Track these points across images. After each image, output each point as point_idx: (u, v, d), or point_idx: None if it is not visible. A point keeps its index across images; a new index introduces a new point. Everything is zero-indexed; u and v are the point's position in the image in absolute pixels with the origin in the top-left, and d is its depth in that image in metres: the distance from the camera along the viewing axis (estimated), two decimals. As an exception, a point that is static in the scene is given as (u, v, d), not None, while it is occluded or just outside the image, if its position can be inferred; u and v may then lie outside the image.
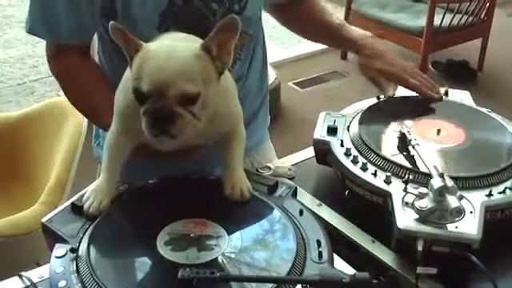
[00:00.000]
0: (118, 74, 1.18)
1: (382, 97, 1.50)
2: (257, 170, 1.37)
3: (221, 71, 1.07)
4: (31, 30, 1.32)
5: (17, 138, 2.57)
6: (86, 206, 1.11)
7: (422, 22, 4.39)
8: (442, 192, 1.05)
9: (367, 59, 1.50)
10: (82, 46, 1.35)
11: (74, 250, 1.01)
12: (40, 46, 1.36)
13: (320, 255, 1.02)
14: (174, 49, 1.05)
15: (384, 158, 1.23)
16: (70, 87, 1.38)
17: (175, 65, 1.02)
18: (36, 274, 1.03)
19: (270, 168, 1.38)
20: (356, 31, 1.56)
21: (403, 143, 1.28)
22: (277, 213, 1.12)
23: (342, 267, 1.04)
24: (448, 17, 4.38)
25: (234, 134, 1.20)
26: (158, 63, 1.01)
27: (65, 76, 1.36)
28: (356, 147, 1.28)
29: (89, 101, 1.35)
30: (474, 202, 1.11)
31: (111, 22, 1.03)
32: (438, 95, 1.48)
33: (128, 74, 1.12)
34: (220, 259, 1.00)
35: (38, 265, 1.06)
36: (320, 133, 1.34)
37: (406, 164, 1.21)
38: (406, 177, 1.16)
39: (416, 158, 1.22)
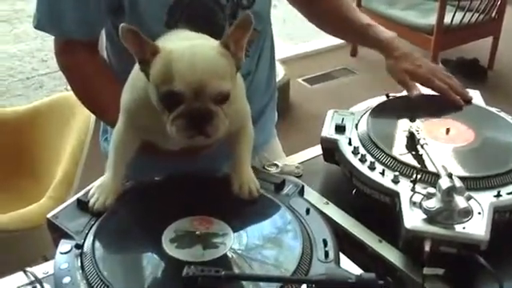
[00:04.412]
0: (126, 71, 1.18)
1: (391, 95, 1.49)
2: (264, 168, 1.36)
3: (238, 67, 1.07)
4: (38, 26, 1.32)
5: (25, 132, 2.57)
6: (91, 203, 1.11)
7: (432, 19, 4.38)
8: (450, 192, 1.04)
9: (395, 60, 1.49)
10: (90, 42, 1.34)
11: (78, 246, 1.01)
12: (49, 40, 1.36)
13: (326, 255, 1.01)
14: (197, 48, 1.05)
15: (392, 157, 1.22)
16: (77, 82, 1.38)
17: (207, 64, 1.01)
18: (41, 270, 1.03)
19: (277, 166, 1.38)
20: (383, 32, 1.55)
21: (412, 142, 1.27)
22: (283, 211, 1.11)
23: (349, 266, 1.03)
24: (459, 14, 4.36)
25: (242, 132, 1.19)
26: (189, 64, 1.00)
27: (71, 71, 1.36)
28: (364, 146, 1.27)
29: (95, 96, 1.35)
30: (483, 202, 1.10)
31: (122, 25, 1.01)
32: (466, 99, 1.46)
33: (136, 72, 1.11)
34: (225, 257, 0.99)
35: (46, 259, 1.06)
36: (328, 131, 1.33)
37: (415, 163, 1.20)
38: (414, 176, 1.15)
39: (424, 157, 1.22)
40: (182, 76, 0.99)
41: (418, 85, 1.47)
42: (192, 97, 0.99)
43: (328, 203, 1.27)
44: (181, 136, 1.02)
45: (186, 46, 1.05)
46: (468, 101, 1.47)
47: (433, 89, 1.47)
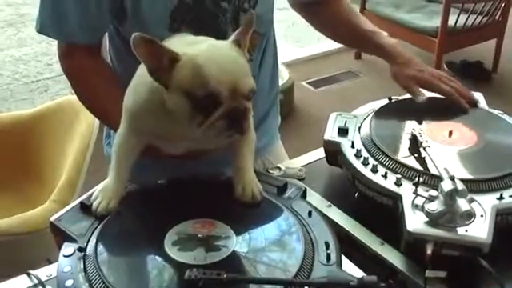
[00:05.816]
0: (129, 74, 1.18)
1: (393, 98, 1.49)
2: (267, 171, 1.36)
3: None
4: (41, 30, 1.33)
5: (29, 135, 2.58)
6: (94, 206, 1.11)
7: (436, 22, 4.38)
8: (452, 195, 1.04)
9: (400, 67, 1.50)
10: (92, 46, 1.35)
11: (81, 249, 1.02)
12: (54, 44, 1.38)
13: (328, 257, 1.01)
14: (218, 49, 1.07)
15: (394, 160, 1.22)
16: (80, 86, 1.38)
17: (234, 63, 1.04)
18: (44, 273, 1.03)
19: (280, 169, 1.38)
20: (386, 38, 1.56)
21: (414, 145, 1.27)
22: (285, 214, 1.11)
23: (351, 269, 1.04)
24: (463, 17, 4.36)
25: (245, 135, 1.20)
26: (220, 65, 1.02)
27: (75, 75, 1.36)
28: (366, 148, 1.27)
29: (98, 101, 1.35)
30: (485, 205, 1.10)
31: (135, 34, 0.99)
32: (471, 101, 1.47)
33: (138, 76, 1.12)
34: (227, 260, 1.00)
35: (49, 262, 1.07)
36: (331, 134, 1.33)
37: (417, 166, 1.21)
38: (417, 179, 1.15)
39: (427, 160, 1.22)
40: (217, 78, 1.00)
41: (422, 90, 1.47)
42: (229, 97, 1.01)
43: (330, 206, 1.27)
44: (222, 137, 1.05)
45: (206, 49, 1.06)
46: (473, 103, 1.47)
47: (439, 92, 1.47)
